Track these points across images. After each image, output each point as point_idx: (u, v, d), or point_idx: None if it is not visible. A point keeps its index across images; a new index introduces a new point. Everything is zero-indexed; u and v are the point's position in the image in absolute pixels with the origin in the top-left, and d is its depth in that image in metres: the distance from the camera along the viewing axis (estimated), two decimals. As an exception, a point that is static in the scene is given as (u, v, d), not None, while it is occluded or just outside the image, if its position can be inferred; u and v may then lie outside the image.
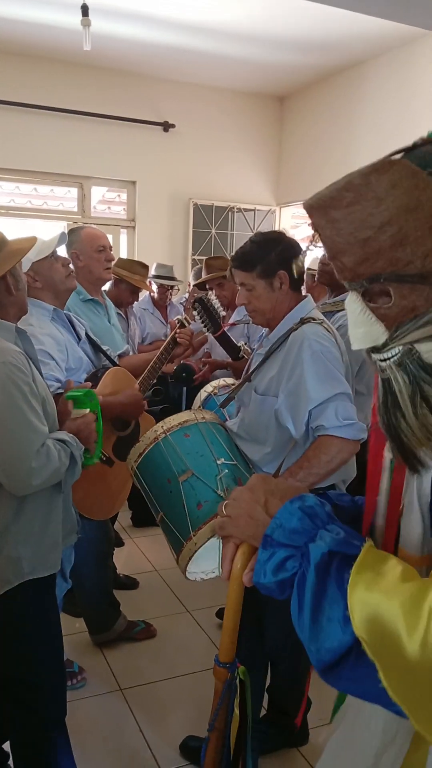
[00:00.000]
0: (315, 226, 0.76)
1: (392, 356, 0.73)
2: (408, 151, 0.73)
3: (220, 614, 3.19)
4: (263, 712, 2.38)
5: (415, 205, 0.68)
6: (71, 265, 2.45)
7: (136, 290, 3.90)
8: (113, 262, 3.09)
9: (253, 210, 6.12)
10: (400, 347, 0.72)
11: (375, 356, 0.76)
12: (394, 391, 0.74)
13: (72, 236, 3.00)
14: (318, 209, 0.74)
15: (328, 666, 0.74)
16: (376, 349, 0.76)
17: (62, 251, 2.55)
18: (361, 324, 0.76)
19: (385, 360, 0.74)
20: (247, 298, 2.01)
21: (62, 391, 2.09)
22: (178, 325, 2.71)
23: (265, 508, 0.87)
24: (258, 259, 1.96)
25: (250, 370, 2.11)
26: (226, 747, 1.04)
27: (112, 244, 3.12)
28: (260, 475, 0.95)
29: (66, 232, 2.49)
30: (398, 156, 0.73)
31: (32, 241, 1.83)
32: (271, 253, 1.95)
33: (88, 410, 1.97)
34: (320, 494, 0.97)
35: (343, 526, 0.81)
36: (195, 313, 2.65)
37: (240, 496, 0.90)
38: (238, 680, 1.03)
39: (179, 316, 2.76)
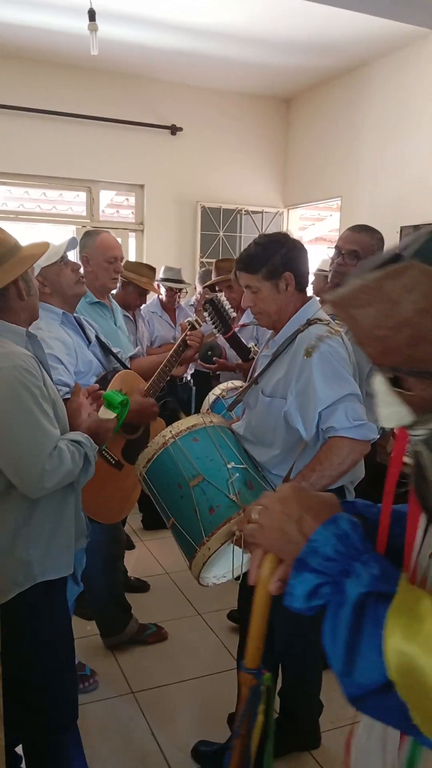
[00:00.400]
0: (341, 319, 0.78)
1: (419, 435, 0.76)
2: (421, 247, 0.73)
3: (231, 616, 3.19)
4: (274, 715, 2.37)
5: (430, 306, 0.69)
6: (81, 270, 2.46)
7: (144, 292, 3.91)
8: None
9: (261, 212, 6.12)
10: (427, 429, 0.75)
11: (406, 429, 0.79)
12: (422, 464, 0.77)
13: (86, 239, 3.00)
14: (338, 306, 0.76)
15: (356, 698, 0.76)
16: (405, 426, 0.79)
17: (74, 255, 2.56)
18: (387, 405, 0.79)
19: (414, 436, 0.77)
20: (252, 300, 2.01)
21: (69, 396, 2.10)
22: (188, 328, 2.71)
23: (299, 526, 0.87)
24: (263, 261, 1.95)
25: (257, 373, 2.11)
26: (248, 752, 1.05)
27: (120, 247, 3.13)
28: (292, 485, 0.95)
29: (76, 236, 2.50)
30: (409, 252, 0.73)
31: (44, 246, 1.84)
32: (276, 254, 1.95)
33: (114, 415, 1.98)
34: (348, 504, 0.98)
35: (377, 557, 0.81)
36: (206, 314, 2.65)
37: (272, 506, 0.91)
38: (264, 687, 1.02)
39: (190, 319, 2.75)
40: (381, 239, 2.55)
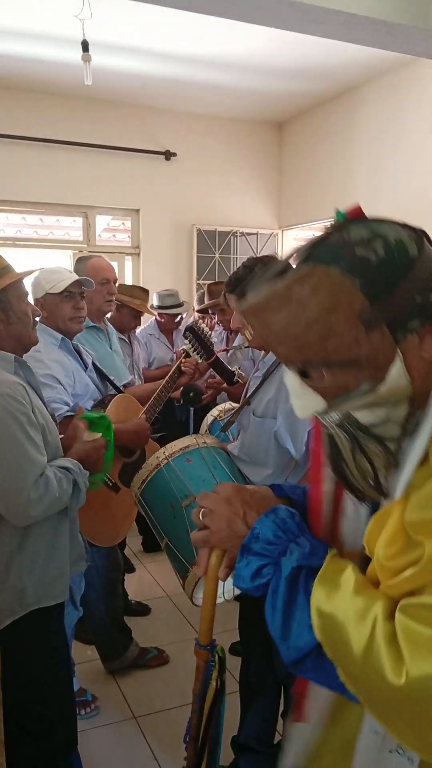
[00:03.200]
0: (251, 326, 0.89)
1: (334, 419, 0.85)
2: (320, 242, 0.82)
3: (234, 650, 3.13)
4: (278, 737, 2.36)
5: (335, 304, 0.77)
6: (84, 311, 2.48)
7: (138, 314, 3.92)
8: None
9: (256, 234, 6.18)
10: (338, 414, 0.84)
11: (319, 416, 0.87)
12: (336, 444, 0.86)
13: (78, 265, 3.05)
14: (250, 314, 0.84)
15: (295, 661, 0.86)
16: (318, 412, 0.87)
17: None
18: (300, 397, 0.87)
19: (328, 422, 0.85)
20: (242, 322, 2.03)
21: (72, 414, 2.10)
22: (183, 355, 2.74)
23: (244, 520, 0.96)
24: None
25: (249, 393, 2.13)
26: (201, 717, 1.20)
27: (117, 271, 3.16)
28: (233, 485, 1.04)
29: (81, 279, 2.49)
30: (301, 258, 0.82)
31: (20, 275, 1.82)
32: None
33: (100, 435, 2.00)
34: (276, 487, 1.08)
35: (310, 538, 0.92)
36: (186, 341, 2.67)
37: (217, 507, 0.99)
38: (217, 657, 1.17)
39: (184, 346, 2.78)
40: None
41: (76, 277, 2.42)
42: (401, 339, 0.78)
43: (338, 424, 0.84)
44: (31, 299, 2.25)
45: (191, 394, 2.88)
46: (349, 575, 0.83)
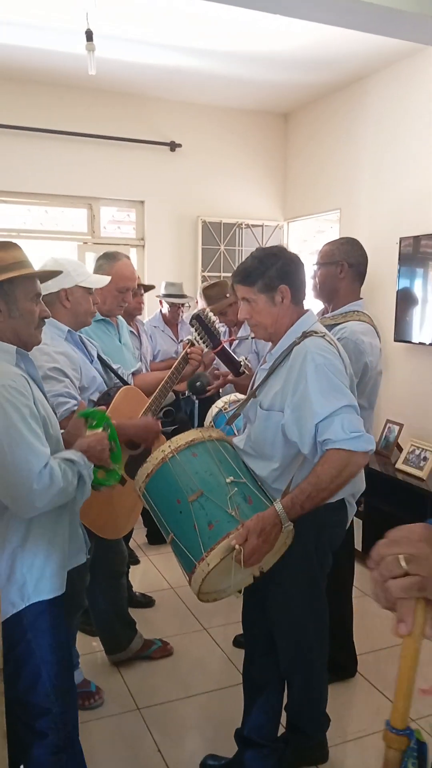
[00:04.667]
0: None
1: None
2: None
3: (237, 642, 3.13)
4: (281, 730, 2.36)
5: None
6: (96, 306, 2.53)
7: (136, 294, 3.83)
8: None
9: (261, 226, 6.14)
10: None
11: None
12: None
13: (104, 261, 3.02)
14: None
15: None
16: None
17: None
18: None
19: None
20: (249, 312, 2.03)
21: (76, 408, 2.10)
22: (189, 345, 2.73)
23: None
24: (259, 273, 1.97)
25: (255, 386, 2.11)
26: None
27: (135, 278, 3.16)
28: (425, 525, 0.87)
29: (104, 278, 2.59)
30: None
31: (34, 273, 1.81)
32: (272, 268, 1.97)
33: (100, 429, 1.98)
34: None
35: None
36: (193, 329, 2.65)
37: (424, 553, 0.83)
38: (418, 746, 0.88)
39: (190, 336, 2.77)
40: (347, 245, 2.66)
41: (108, 278, 2.53)
42: None
43: None
44: (59, 285, 2.30)
45: (198, 384, 2.87)
46: None
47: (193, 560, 1.76)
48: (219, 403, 2.93)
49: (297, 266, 2.03)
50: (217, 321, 2.72)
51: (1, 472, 1.62)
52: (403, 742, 0.87)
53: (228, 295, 3.79)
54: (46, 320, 1.86)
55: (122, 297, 2.99)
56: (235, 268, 2.08)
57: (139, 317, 4.12)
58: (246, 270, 2.00)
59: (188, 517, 1.79)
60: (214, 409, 2.93)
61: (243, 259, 2.13)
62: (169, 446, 1.93)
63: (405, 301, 4.44)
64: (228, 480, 1.84)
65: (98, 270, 2.97)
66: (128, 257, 3.19)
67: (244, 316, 2.05)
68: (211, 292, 3.86)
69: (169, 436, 2.70)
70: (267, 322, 2.01)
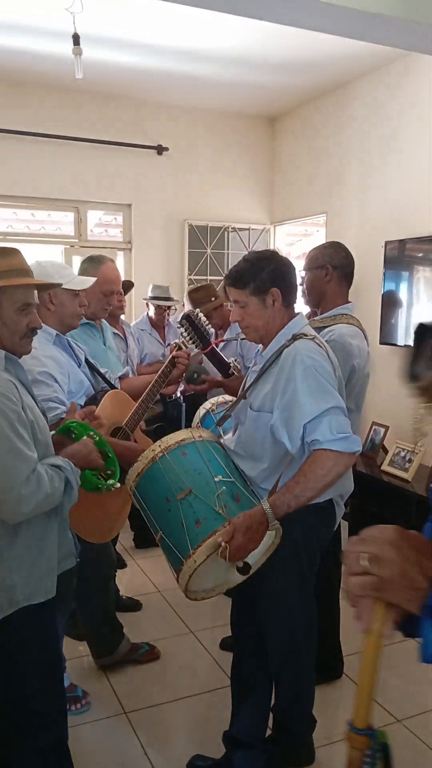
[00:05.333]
0: None
1: None
2: None
3: (225, 644, 3.13)
4: (268, 731, 2.36)
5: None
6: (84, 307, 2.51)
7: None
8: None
9: (248, 229, 6.17)
10: None
11: None
12: None
13: (88, 264, 3.01)
14: None
15: None
16: None
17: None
18: None
19: None
20: (240, 315, 2.05)
21: (65, 416, 2.10)
22: (176, 349, 2.73)
23: (421, 570, 0.82)
24: (251, 276, 2.00)
25: (246, 387, 2.13)
26: None
27: (120, 281, 3.15)
28: (397, 528, 0.87)
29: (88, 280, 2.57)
30: None
31: (24, 282, 1.78)
32: (264, 271, 1.99)
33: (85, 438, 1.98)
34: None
35: None
36: (183, 330, 2.66)
37: (385, 554, 0.83)
38: (381, 746, 0.90)
39: (177, 340, 2.77)
40: (330, 248, 2.67)
41: (93, 279, 2.49)
42: None
43: None
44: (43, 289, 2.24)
45: (194, 375, 2.88)
46: None
47: (180, 557, 1.78)
48: (206, 405, 2.93)
49: (288, 270, 2.06)
50: (206, 321, 2.72)
51: None
52: (364, 743, 0.89)
53: (213, 298, 3.79)
54: (31, 336, 1.83)
55: (107, 300, 2.99)
56: (222, 272, 2.10)
57: (124, 319, 4.13)
58: (238, 273, 2.02)
59: (177, 515, 1.80)
60: (201, 411, 2.93)
61: (229, 263, 2.15)
62: (159, 446, 1.94)
63: (390, 304, 4.48)
64: (216, 479, 1.86)
65: (83, 273, 2.96)
66: (113, 260, 3.19)
67: (236, 318, 2.06)
68: (197, 296, 3.85)
69: (151, 434, 2.70)
70: (258, 324, 2.03)
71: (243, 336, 2.17)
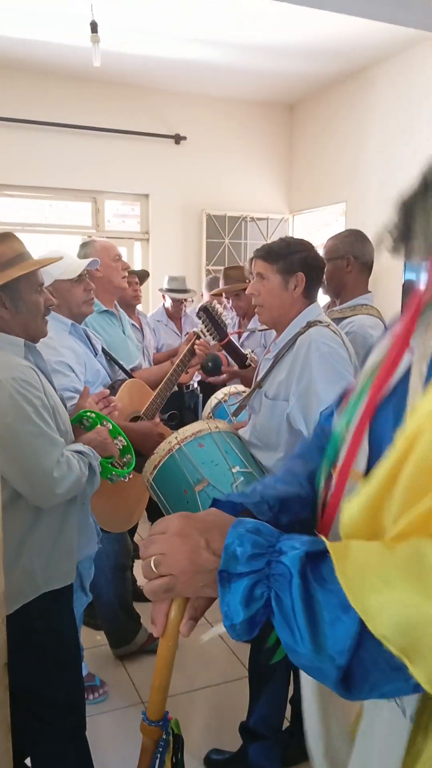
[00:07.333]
0: None
1: None
2: None
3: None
4: (286, 723, 2.35)
5: None
6: (93, 290, 2.46)
7: (131, 283, 3.81)
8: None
9: (266, 219, 6.13)
10: None
11: None
12: None
13: (85, 249, 3.01)
14: None
15: (345, 674, 0.67)
16: None
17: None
18: None
19: None
20: (258, 289, 2.04)
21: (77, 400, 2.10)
22: (195, 337, 2.72)
23: (209, 547, 0.78)
24: (283, 255, 2.00)
25: (260, 376, 2.11)
26: None
27: (126, 257, 3.15)
28: (178, 514, 0.84)
29: (97, 259, 2.52)
30: None
31: (34, 264, 1.79)
32: (297, 254, 2.00)
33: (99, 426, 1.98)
34: (217, 503, 0.91)
35: (292, 534, 0.76)
36: (200, 321, 2.65)
37: (170, 548, 0.80)
38: (171, 735, 0.97)
39: (196, 329, 2.76)
40: (350, 237, 2.64)
41: (86, 261, 2.40)
42: None
43: None
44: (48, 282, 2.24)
45: (210, 365, 2.88)
46: (359, 543, 0.69)
47: None
48: (218, 395, 2.92)
49: (320, 264, 2.06)
50: (224, 313, 2.71)
51: (22, 461, 1.62)
52: (155, 732, 0.96)
53: (247, 280, 3.79)
54: (47, 316, 1.85)
55: (120, 265, 2.95)
56: (240, 262, 2.09)
57: (140, 309, 4.12)
58: (271, 248, 2.03)
59: (195, 507, 1.80)
60: (213, 401, 2.91)
61: (247, 252, 2.16)
62: (176, 437, 1.94)
63: (410, 293, 4.42)
64: (233, 470, 1.85)
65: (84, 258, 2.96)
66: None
67: (253, 291, 2.05)
68: (232, 273, 3.92)
69: (166, 423, 2.70)
70: (273, 303, 2.02)
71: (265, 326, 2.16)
